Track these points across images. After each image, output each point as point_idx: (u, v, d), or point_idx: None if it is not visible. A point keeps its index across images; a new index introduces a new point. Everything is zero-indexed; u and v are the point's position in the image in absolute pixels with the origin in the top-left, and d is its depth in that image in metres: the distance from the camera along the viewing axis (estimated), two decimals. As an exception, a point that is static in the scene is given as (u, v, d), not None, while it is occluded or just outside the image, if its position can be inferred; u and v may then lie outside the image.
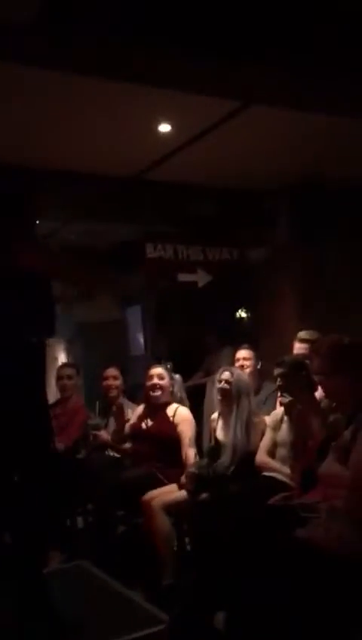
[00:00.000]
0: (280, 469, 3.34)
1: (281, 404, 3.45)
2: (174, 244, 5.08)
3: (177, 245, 5.09)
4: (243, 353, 4.31)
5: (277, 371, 3.38)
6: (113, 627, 2.43)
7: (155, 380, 3.91)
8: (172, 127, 4.03)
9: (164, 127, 4.03)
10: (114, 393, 4.44)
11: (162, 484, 3.60)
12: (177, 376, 4.08)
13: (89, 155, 4.41)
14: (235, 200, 5.25)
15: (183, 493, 3.47)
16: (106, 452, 4.22)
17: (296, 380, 3.30)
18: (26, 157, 4.24)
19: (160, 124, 3.99)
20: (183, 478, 3.50)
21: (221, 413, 3.76)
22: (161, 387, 3.90)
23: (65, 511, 4.01)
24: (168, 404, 3.91)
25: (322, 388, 2.76)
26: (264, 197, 5.29)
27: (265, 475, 3.41)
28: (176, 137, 4.20)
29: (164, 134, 4.12)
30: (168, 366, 4.06)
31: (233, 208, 5.24)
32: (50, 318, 2.56)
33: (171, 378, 4.00)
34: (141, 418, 3.98)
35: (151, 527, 3.39)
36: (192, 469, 3.47)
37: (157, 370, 3.97)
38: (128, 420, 4.16)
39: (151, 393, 3.89)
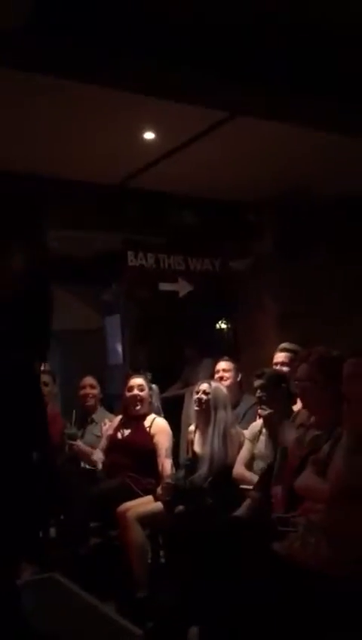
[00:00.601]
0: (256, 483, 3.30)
1: (260, 417, 3.42)
2: (156, 253, 5.05)
3: (159, 254, 5.06)
4: (222, 365, 4.29)
5: (256, 383, 3.36)
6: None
7: (135, 392, 3.87)
8: (157, 135, 4.02)
9: (149, 135, 4.02)
10: (91, 402, 4.39)
11: (137, 495, 3.55)
12: (154, 387, 4.04)
13: (71, 162, 4.38)
14: (219, 210, 5.25)
15: (159, 504, 3.42)
16: (81, 463, 4.16)
17: (275, 393, 3.28)
18: (7, 162, 4.19)
19: (145, 132, 3.97)
20: (159, 490, 3.45)
21: (198, 424, 3.73)
22: (142, 399, 3.87)
23: (38, 522, 3.93)
24: (146, 415, 3.87)
25: (303, 397, 2.75)
26: (248, 208, 5.30)
27: (242, 488, 3.37)
28: (160, 146, 4.18)
29: (149, 142, 4.11)
30: (148, 376, 4.02)
31: (216, 219, 5.24)
32: (48, 340, 2.52)
33: (150, 389, 3.97)
34: (117, 428, 3.94)
35: (125, 539, 3.34)
36: (168, 480, 3.43)
37: (138, 380, 3.93)
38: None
39: (132, 406, 3.84)
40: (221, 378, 4.14)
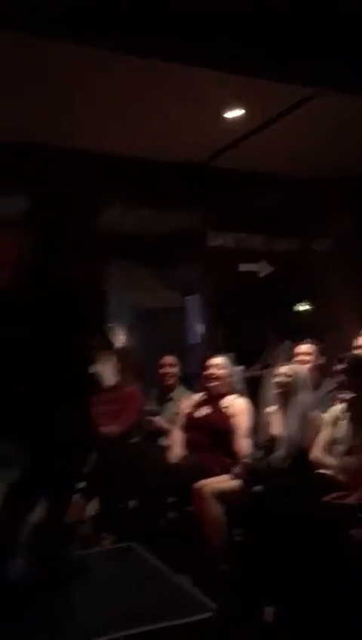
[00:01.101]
0: (336, 467, 3.26)
1: (342, 401, 3.37)
2: (236, 233, 5.02)
3: (239, 234, 5.03)
4: (303, 348, 4.22)
5: (338, 367, 3.31)
6: (160, 611, 2.44)
7: (212, 370, 3.90)
8: (241, 113, 3.98)
9: (234, 113, 3.98)
10: (170, 381, 4.44)
11: (214, 473, 3.58)
12: (238, 368, 4.05)
13: (153, 142, 4.41)
14: (301, 189, 5.14)
15: (235, 483, 3.44)
16: (159, 440, 4.23)
17: (357, 376, 3.21)
18: (91, 143, 4.27)
19: (230, 110, 3.94)
20: (236, 468, 3.47)
21: (277, 407, 3.71)
22: (218, 377, 3.89)
23: (117, 494, 4.06)
24: (225, 394, 3.89)
25: None
26: (331, 186, 5.15)
27: (319, 472, 3.34)
28: (244, 124, 4.14)
29: (233, 120, 4.07)
30: (230, 357, 4.03)
31: (298, 198, 5.14)
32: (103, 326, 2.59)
33: (231, 369, 3.98)
34: (196, 407, 3.98)
35: (202, 514, 3.39)
36: (246, 460, 3.44)
37: (216, 360, 3.95)
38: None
39: (208, 383, 3.88)
40: (301, 361, 4.09)
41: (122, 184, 4.62)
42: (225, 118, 4.03)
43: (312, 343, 4.26)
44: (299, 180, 5.08)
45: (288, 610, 2.44)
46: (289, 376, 3.57)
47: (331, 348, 4.29)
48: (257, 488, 3.29)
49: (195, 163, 4.78)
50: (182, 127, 4.18)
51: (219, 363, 3.92)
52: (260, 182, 5.04)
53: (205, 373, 3.92)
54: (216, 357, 3.99)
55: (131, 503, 4.19)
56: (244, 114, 3.99)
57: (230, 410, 3.80)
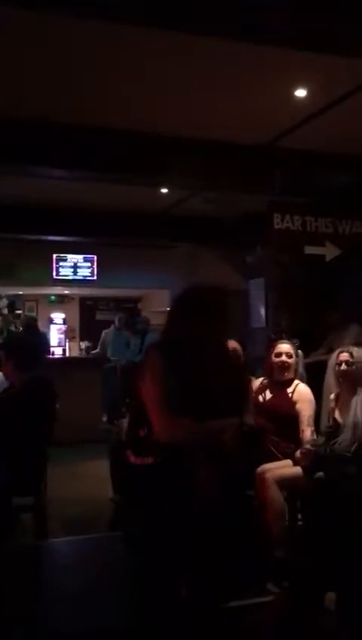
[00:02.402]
0: None
1: None
2: (303, 216, 4.92)
3: (306, 217, 4.93)
4: (366, 334, 4.13)
5: None
6: (220, 592, 2.46)
7: (284, 358, 3.85)
8: (308, 92, 3.88)
9: (300, 93, 3.88)
10: (237, 367, 4.42)
11: (276, 458, 3.57)
12: (300, 353, 4.00)
13: (220, 123, 4.38)
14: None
15: (298, 469, 3.42)
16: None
17: None
18: (157, 125, 4.28)
19: (296, 89, 3.85)
20: (298, 454, 3.44)
21: (340, 393, 3.64)
22: (289, 365, 3.85)
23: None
24: (291, 381, 3.86)
25: None
26: None
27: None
28: (311, 103, 4.04)
29: (300, 100, 3.98)
30: (295, 342, 3.97)
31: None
32: None
33: (296, 355, 3.94)
34: (259, 392, 3.96)
35: (264, 499, 3.39)
36: (308, 446, 3.41)
37: (286, 347, 3.90)
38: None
39: (280, 372, 3.84)
40: (363, 348, 3.98)
41: (190, 166, 4.61)
42: (293, 97, 3.94)
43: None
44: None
45: (350, 596, 2.42)
46: (351, 362, 3.49)
47: None
48: (319, 475, 3.26)
49: (261, 144, 4.71)
50: (248, 108, 4.13)
51: (288, 350, 3.88)
52: (327, 163, 4.91)
53: (274, 360, 3.88)
54: (282, 343, 3.94)
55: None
56: (311, 94, 3.89)
57: (294, 397, 3.76)
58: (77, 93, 3.95)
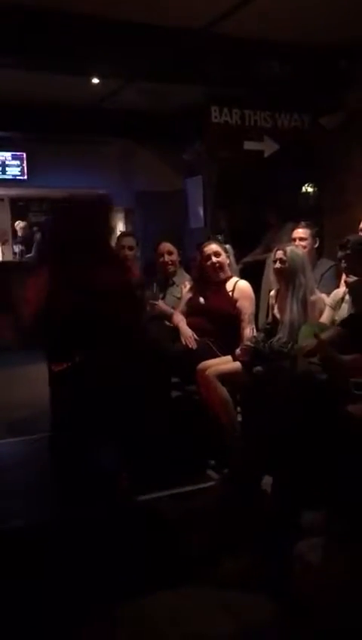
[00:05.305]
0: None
1: (346, 284, 3.35)
2: (241, 109, 4.75)
3: (244, 110, 4.76)
4: (299, 232, 4.15)
5: (341, 254, 3.26)
6: (165, 479, 2.57)
7: (213, 259, 3.83)
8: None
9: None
10: (171, 269, 4.37)
11: (217, 355, 3.64)
12: (228, 247, 3.98)
13: (153, 4, 4.04)
14: (308, 59, 4.79)
15: (237, 364, 3.51)
16: (165, 322, 4.26)
17: (361, 259, 3.16)
18: (85, 5, 3.92)
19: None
20: (238, 351, 3.52)
21: (278, 290, 3.70)
22: (221, 265, 3.84)
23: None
24: (228, 279, 3.86)
25: None
26: (342, 55, 4.80)
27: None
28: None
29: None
30: (219, 238, 3.94)
31: (306, 69, 4.80)
32: None
33: (225, 250, 3.92)
34: (198, 293, 3.96)
35: (208, 395, 3.49)
36: (248, 342, 3.49)
37: (212, 247, 3.87)
38: None
39: (213, 274, 3.83)
40: (298, 245, 4.02)
41: (119, 52, 4.27)
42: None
43: (307, 227, 4.18)
44: (309, 47, 4.70)
45: (285, 479, 2.58)
46: (285, 260, 3.53)
47: (335, 229, 4.21)
48: (257, 369, 3.36)
49: (195, 29, 4.39)
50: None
51: (216, 250, 3.85)
52: (266, 51, 4.67)
53: (206, 263, 3.85)
54: (208, 245, 3.90)
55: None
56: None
57: (235, 295, 3.79)
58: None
